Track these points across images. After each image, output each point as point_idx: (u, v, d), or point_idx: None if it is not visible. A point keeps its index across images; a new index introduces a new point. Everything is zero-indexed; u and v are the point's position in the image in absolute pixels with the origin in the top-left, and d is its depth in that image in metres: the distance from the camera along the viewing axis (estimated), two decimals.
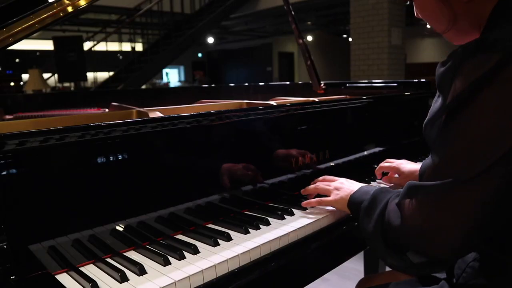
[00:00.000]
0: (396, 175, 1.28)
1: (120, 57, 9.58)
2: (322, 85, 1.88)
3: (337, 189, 1.05)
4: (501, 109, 0.67)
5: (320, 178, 1.16)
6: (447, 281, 0.96)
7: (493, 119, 0.68)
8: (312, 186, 1.13)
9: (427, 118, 0.83)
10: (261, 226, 0.96)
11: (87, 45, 8.52)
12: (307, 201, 1.08)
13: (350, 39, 7.36)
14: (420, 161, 1.59)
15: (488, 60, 0.68)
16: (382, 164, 1.30)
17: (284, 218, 1.01)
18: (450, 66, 0.75)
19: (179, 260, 0.80)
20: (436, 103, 0.80)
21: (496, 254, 0.82)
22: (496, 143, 0.68)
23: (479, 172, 0.69)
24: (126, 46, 10.29)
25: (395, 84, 2.00)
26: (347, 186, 1.04)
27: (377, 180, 1.34)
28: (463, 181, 0.71)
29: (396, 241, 0.83)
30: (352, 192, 0.99)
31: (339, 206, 1.03)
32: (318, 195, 1.11)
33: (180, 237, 0.93)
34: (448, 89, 0.74)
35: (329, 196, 1.06)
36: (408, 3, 0.93)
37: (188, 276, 0.74)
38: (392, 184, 1.29)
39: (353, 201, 0.98)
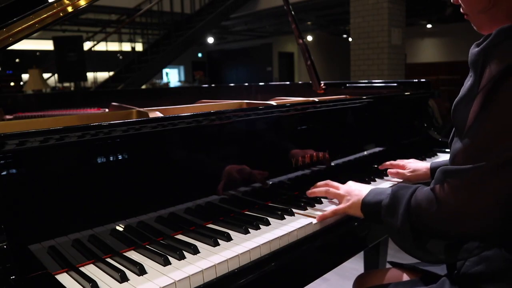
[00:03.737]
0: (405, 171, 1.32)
1: (120, 57, 9.56)
2: (322, 85, 1.87)
3: (347, 193, 1.04)
4: None
5: (322, 183, 1.14)
6: (448, 277, 0.96)
7: None
8: (323, 189, 1.11)
9: (458, 97, 0.83)
10: (261, 226, 0.96)
11: (87, 45, 8.51)
12: (322, 214, 1.02)
13: (350, 39, 7.36)
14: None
15: None
16: (391, 162, 1.37)
17: (284, 218, 1.01)
18: (483, 47, 0.77)
19: (179, 260, 0.80)
20: (468, 82, 0.81)
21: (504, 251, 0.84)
22: None
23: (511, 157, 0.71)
24: (126, 46, 10.28)
25: (395, 84, 2.00)
26: (356, 191, 1.03)
27: (385, 178, 1.35)
28: (496, 164, 0.72)
29: (427, 228, 0.83)
30: (363, 196, 0.99)
31: (352, 211, 1.02)
32: (314, 198, 1.12)
33: (180, 237, 0.93)
34: (480, 69, 0.76)
35: (340, 201, 1.05)
36: None
37: (188, 276, 0.74)
38: (401, 180, 1.32)
39: (367, 203, 0.97)
